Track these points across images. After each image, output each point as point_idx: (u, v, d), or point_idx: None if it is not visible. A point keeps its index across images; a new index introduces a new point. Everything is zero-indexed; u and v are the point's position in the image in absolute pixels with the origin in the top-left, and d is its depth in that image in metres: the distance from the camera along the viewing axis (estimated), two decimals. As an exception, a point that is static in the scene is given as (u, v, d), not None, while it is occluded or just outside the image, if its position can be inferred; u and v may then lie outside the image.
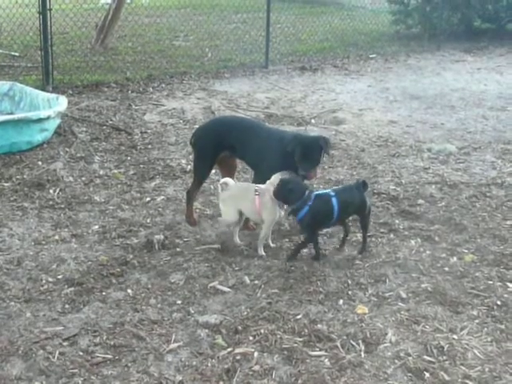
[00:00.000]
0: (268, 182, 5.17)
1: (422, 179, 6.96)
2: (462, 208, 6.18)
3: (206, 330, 4.10)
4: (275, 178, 5.12)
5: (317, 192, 5.15)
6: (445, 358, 3.89)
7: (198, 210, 5.91)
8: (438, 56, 14.78)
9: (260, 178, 5.33)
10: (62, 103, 7.89)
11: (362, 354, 3.90)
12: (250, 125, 5.77)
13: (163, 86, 10.99)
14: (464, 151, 8.02)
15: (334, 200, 4.98)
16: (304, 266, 4.96)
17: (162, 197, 6.29)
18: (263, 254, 5.16)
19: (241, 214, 5.26)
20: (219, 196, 5.30)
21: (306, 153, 5.17)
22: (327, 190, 5.18)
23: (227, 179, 5.30)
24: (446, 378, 3.71)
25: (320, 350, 3.95)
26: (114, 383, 3.62)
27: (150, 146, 7.83)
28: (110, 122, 8.70)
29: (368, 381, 3.66)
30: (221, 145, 5.53)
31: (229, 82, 11.56)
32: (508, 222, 5.87)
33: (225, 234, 5.45)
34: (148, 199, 6.23)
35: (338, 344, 3.99)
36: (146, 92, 10.50)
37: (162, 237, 5.31)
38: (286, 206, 5.21)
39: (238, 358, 3.83)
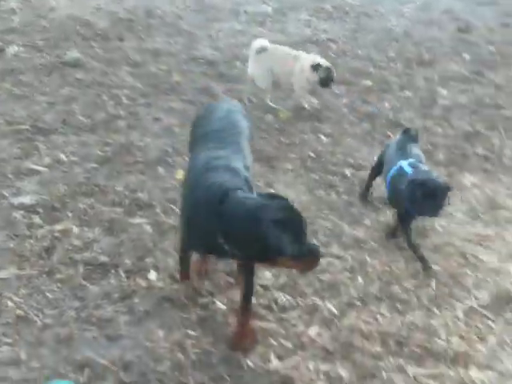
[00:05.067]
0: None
1: (239, 42, 6.93)
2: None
3: (22, 212, 3.94)
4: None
5: None
6: (261, 210, 4.02)
7: (6, 90, 5.56)
8: None
9: None
10: None
11: (182, 217, 3.96)
12: None
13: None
14: (280, 12, 8.05)
15: None
16: (122, 138, 4.87)
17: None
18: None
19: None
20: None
21: None
22: None
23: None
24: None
25: (141, 217, 3.96)
26: None
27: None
28: None
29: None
30: None
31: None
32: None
33: (36, 112, 5.19)
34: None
35: (159, 210, 4.02)
36: None
37: (-33, 122, 4.97)
38: None
39: (57, 235, 3.76)
